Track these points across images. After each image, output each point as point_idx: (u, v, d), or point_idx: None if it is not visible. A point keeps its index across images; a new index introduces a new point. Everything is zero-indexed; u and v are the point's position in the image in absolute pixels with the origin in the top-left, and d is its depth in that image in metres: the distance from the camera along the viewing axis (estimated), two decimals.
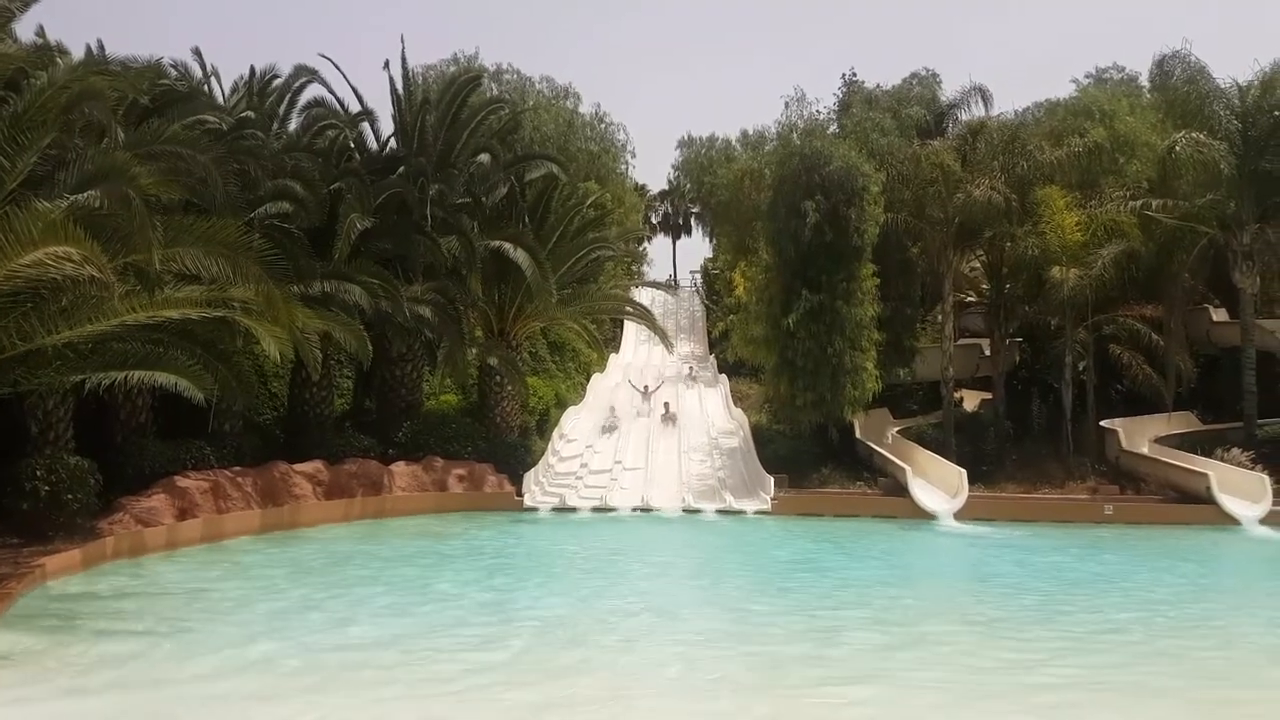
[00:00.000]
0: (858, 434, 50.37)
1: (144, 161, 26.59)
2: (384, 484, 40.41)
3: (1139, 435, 48.64)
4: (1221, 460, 44.60)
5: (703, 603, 25.38)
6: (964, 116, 52.84)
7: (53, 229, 20.35)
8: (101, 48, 38.47)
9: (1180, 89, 50.16)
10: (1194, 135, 47.11)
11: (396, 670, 17.83)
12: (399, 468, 41.78)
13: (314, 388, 43.00)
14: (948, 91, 55.47)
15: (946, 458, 46.36)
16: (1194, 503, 42.29)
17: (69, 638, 19.65)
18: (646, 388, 58.90)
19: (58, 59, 30.14)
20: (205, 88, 43.83)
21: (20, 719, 15.12)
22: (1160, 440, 48.46)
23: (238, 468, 36.32)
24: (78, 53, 35.81)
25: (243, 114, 41.51)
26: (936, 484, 44.54)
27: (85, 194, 23.95)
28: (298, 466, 38.09)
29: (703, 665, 18.80)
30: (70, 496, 28.87)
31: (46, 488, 28.65)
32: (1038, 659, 19.44)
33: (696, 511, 42.23)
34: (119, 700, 16.05)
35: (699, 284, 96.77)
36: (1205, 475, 42.44)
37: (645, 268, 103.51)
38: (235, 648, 19.13)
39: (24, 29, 34.69)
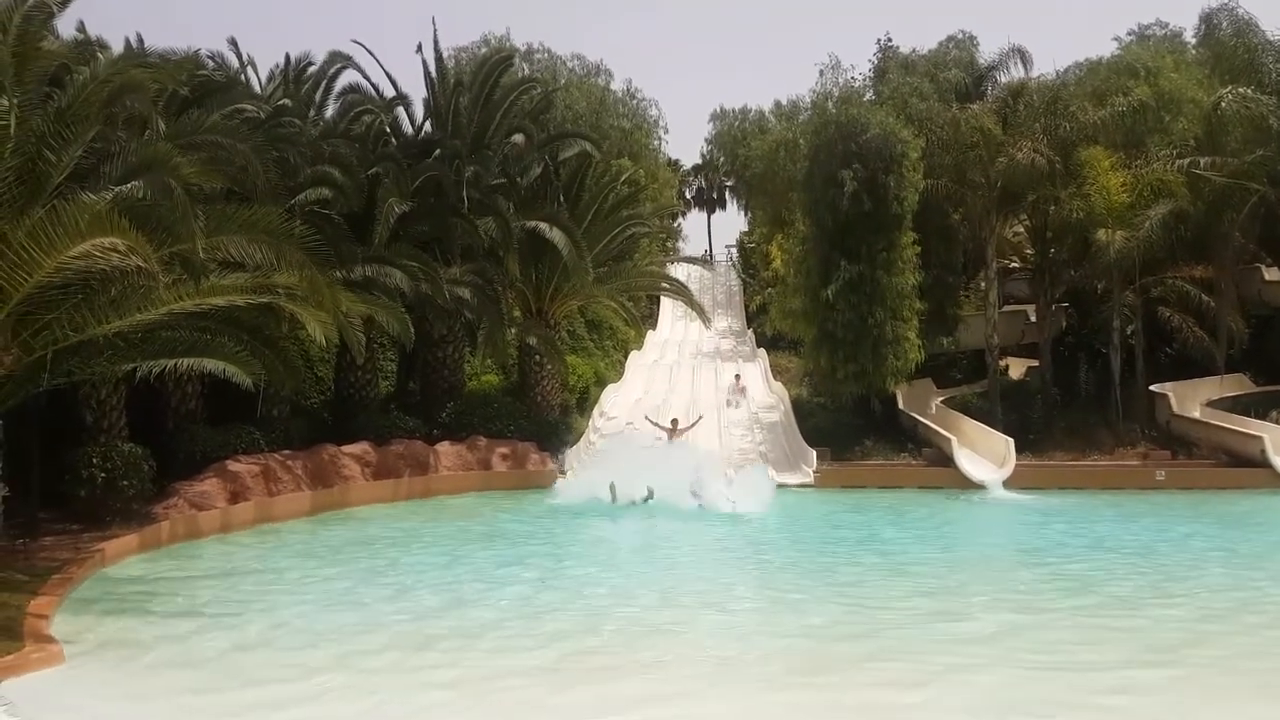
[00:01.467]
0: (900, 405, 50.26)
1: (185, 152, 27.25)
2: (430, 464, 41.17)
3: (1190, 399, 48.71)
4: (1276, 423, 44.74)
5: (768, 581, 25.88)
6: (1003, 79, 52.66)
7: (99, 221, 21.00)
8: (141, 41, 39.30)
9: (1228, 43, 50.04)
10: (1241, 90, 47.07)
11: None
12: (444, 448, 42.45)
13: (358, 371, 44.09)
14: (986, 54, 55.36)
15: (993, 427, 46.40)
16: (1249, 466, 42.64)
17: (132, 620, 20.39)
18: (675, 424, 47.55)
19: (99, 54, 30.90)
20: (242, 77, 44.59)
21: (96, 699, 15.65)
22: (1212, 404, 48.54)
23: (287, 451, 37.30)
24: (117, 47, 36.60)
25: (280, 102, 42.25)
26: (984, 454, 44.81)
27: (129, 185, 24.60)
28: (345, 448, 38.95)
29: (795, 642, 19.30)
30: (126, 483, 29.82)
31: (103, 474, 29.63)
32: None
33: None
34: (187, 679, 16.70)
35: (734, 258, 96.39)
36: (1260, 438, 42.84)
37: (680, 243, 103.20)
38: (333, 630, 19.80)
39: (65, 25, 35.53)
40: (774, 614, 21.86)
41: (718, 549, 30.34)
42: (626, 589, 23.89)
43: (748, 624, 21.16)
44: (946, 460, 43.95)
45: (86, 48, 32.01)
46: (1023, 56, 52.68)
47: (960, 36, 57.29)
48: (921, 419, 48.22)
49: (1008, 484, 42.28)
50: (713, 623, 21.03)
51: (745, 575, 26.76)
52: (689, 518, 35.34)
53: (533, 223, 45.54)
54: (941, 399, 52.77)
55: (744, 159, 79.24)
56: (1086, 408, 50.70)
